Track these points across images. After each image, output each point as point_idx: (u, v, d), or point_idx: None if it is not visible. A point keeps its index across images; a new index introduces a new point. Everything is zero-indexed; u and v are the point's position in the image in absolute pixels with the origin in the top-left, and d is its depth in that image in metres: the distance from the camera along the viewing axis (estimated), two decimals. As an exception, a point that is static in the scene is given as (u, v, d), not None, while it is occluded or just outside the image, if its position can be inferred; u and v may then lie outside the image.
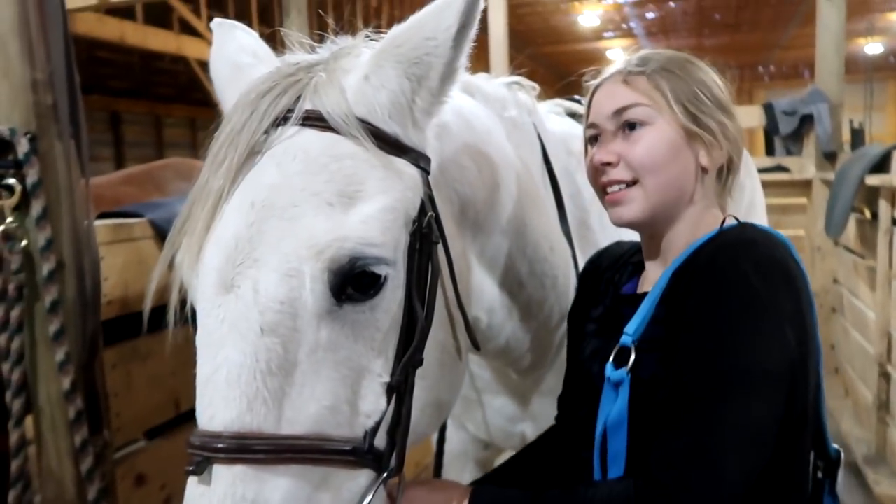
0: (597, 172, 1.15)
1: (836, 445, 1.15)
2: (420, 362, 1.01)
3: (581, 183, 1.68)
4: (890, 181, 3.06)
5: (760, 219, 2.86)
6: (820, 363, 1.07)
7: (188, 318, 0.99)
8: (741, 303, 0.98)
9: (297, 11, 4.34)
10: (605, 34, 15.16)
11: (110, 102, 12.63)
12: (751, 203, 2.73)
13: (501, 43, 5.70)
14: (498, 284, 1.42)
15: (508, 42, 5.80)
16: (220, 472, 0.86)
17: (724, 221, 1.12)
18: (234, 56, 1.24)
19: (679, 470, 0.96)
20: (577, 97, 2.03)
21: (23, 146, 1.35)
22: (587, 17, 13.37)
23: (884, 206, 3.16)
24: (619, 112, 1.12)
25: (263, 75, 1.06)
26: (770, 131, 5.13)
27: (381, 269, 0.94)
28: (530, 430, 1.73)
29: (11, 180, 1.36)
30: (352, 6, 8.75)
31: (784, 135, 4.91)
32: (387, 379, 0.97)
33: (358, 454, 0.92)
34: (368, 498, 0.93)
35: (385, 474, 0.95)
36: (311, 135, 0.98)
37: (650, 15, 13.80)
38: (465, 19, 1.00)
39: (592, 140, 1.19)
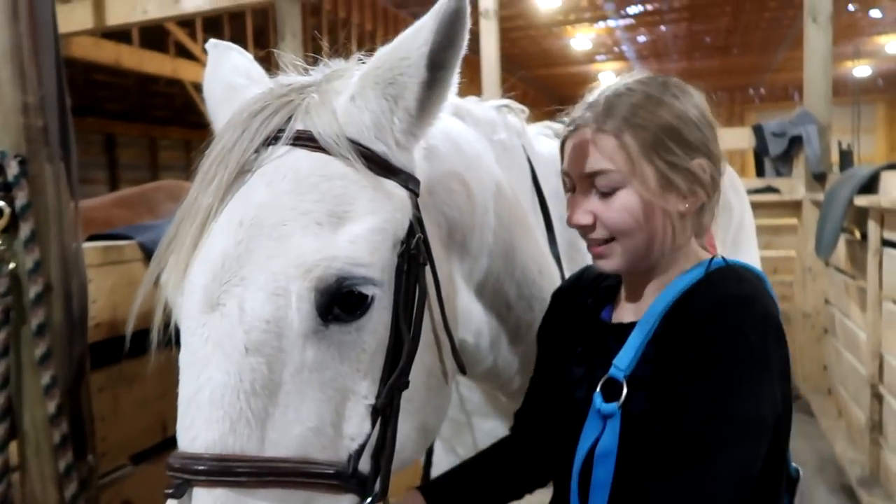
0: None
1: (795, 464, 1.20)
2: (406, 385, 1.00)
3: None
4: (878, 202, 3.09)
5: (750, 240, 2.87)
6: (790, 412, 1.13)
7: (171, 339, 0.98)
8: (741, 358, 1.02)
9: (291, 35, 4.39)
10: (597, 57, 15.32)
11: (106, 125, 12.64)
12: (740, 224, 2.73)
13: (494, 66, 5.76)
14: (486, 307, 1.42)
15: (501, 65, 5.86)
16: (201, 495, 0.85)
17: (711, 258, 1.14)
18: (228, 76, 1.25)
19: None
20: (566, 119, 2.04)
21: (13, 169, 1.36)
22: (579, 41, 13.50)
23: (873, 227, 3.18)
24: (591, 176, 1.11)
25: (256, 95, 1.06)
26: (760, 152, 5.17)
27: (368, 290, 0.94)
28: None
29: (0, 203, 1.36)
30: (346, 30, 8.84)
31: (774, 156, 4.96)
32: (372, 401, 0.96)
33: (342, 478, 0.91)
34: None
35: (369, 500, 0.94)
36: (302, 154, 0.99)
37: (642, 38, 13.96)
38: (441, 38, 0.98)
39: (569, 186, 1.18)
